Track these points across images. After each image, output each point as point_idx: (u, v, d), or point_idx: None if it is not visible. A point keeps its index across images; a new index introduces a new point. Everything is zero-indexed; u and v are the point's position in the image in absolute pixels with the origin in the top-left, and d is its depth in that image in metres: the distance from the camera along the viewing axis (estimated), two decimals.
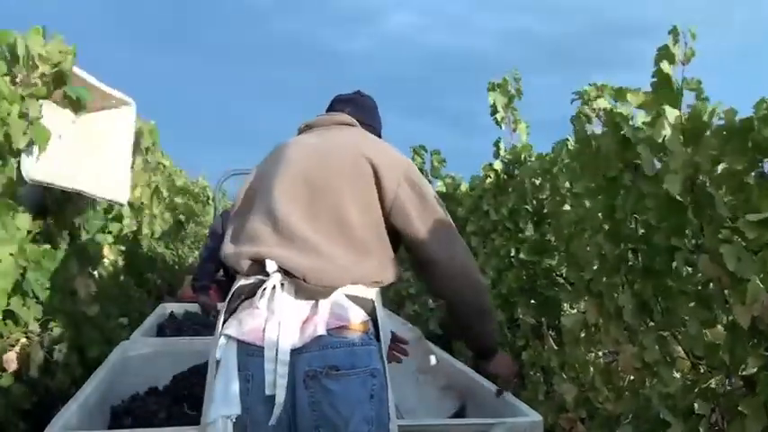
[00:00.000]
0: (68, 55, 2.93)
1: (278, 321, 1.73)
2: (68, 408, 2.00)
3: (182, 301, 5.10)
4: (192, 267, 10.68)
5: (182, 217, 8.68)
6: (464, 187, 5.15)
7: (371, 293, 1.87)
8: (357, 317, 1.79)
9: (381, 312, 1.89)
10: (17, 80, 2.72)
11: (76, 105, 3.13)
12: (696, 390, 2.13)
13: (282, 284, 1.78)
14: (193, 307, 4.22)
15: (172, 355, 2.92)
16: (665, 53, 2.18)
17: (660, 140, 2.15)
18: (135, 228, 6.07)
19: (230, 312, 1.84)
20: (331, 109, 2.28)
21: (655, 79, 2.21)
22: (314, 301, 1.77)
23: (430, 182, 5.78)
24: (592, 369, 2.83)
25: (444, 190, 5.38)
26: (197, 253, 12.56)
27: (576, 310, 3.19)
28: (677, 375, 2.26)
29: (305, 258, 1.80)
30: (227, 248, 1.95)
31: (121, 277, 5.28)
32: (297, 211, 1.88)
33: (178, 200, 7.94)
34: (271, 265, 1.79)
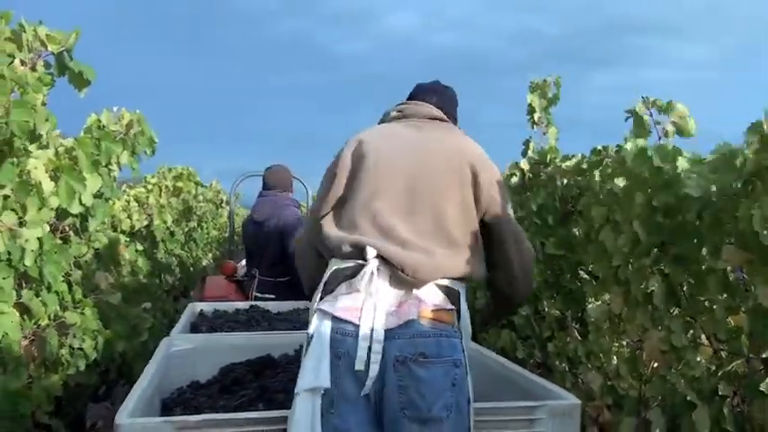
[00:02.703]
0: (72, 34, 2.83)
1: (374, 303, 1.86)
2: (131, 398, 2.09)
3: (202, 301, 5.20)
4: (206, 270, 10.78)
5: (190, 201, 8.79)
6: None
7: (459, 286, 2.00)
8: (446, 306, 1.92)
9: (465, 306, 2.01)
10: (25, 64, 2.69)
11: (80, 82, 2.98)
12: (720, 373, 2.25)
13: (380, 270, 1.91)
14: (222, 305, 4.32)
15: (213, 350, 3.02)
16: None
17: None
18: (146, 222, 6.19)
19: (327, 292, 1.96)
20: (414, 98, 2.34)
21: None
22: (407, 290, 1.90)
23: None
24: (616, 358, 2.94)
25: None
26: (210, 255, 12.69)
27: (600, 302, 3.31)
28: (701, 360, 2.38)
29: (402, 251, 1.93)
30: (330, 230, 2.06)
31: (142, 277, 5.39)
32: (395, 210, 2.01)
33: (180, 184, 8.06)
34: (371, 252, 1.91)
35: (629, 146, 2.69)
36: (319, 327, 1.90)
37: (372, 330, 1.84)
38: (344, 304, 1.90)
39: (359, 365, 1.82)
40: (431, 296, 1.93)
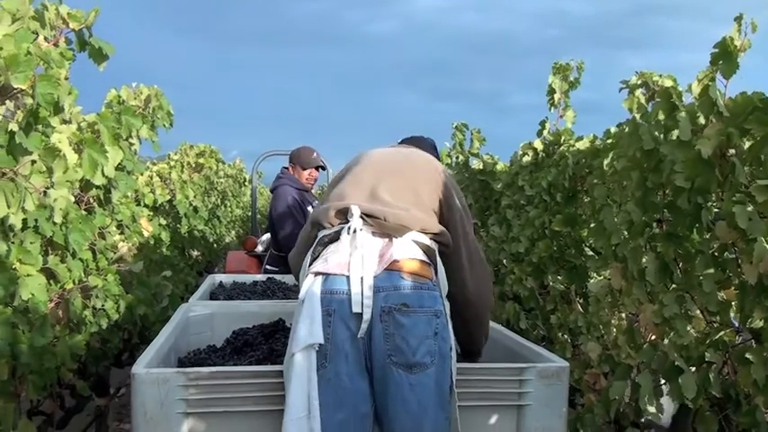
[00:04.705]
0: (92, 12, 2.91)
1: (361, 255, 2.05)
2: (148, 352, 2.24)
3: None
4: (229, 246, 10.99)
5: (211, 176, 8.98)
6: (500, 165, 5.38)
7: (434, 244, 2.20)
8: (423, 257, 2.12)
9: (440, 263, 2.20)
10: (48, 41, 2.75)
11: (99, 57, 3.03)
12: (708, 341, 2.35)
13: (363, 227, 2.12)
14: (240, 277, 4.48)
15: (229, 315, 3.17)
16: (729, 37, 2.38)
17: (708, 107, 2.35)
18: (169, 197, 6.34)
19: (315, 257, 2.17)
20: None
21: (716, 50, 2.40)
22: (389, 239, 2.11)
23: (467, 159, 5.96)
24: (615, 330, 3.05)
25: (482, 167, 5.60)
26: (233, 233, 12.92)
27: (602, 277, 3.41)
28: (692, 331, 2.48)
29: (384, 207, 2.17)
30: (317, 207, 2.35)
31: (165, 249, 5.55)
32: (380, 183, 2.28)
33: (201, 161, 8.23)
34: (355, 210, 2.14)
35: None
36: (310, 289, 2.07)
37: (363, 278, 2.01)
38: (334, 261, 2.08)
39: (356, 308, 1.99)
40: (410, 249, 2.11)
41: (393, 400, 1.98)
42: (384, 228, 2.13)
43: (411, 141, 2.82)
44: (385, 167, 2.38)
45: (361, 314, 1.98)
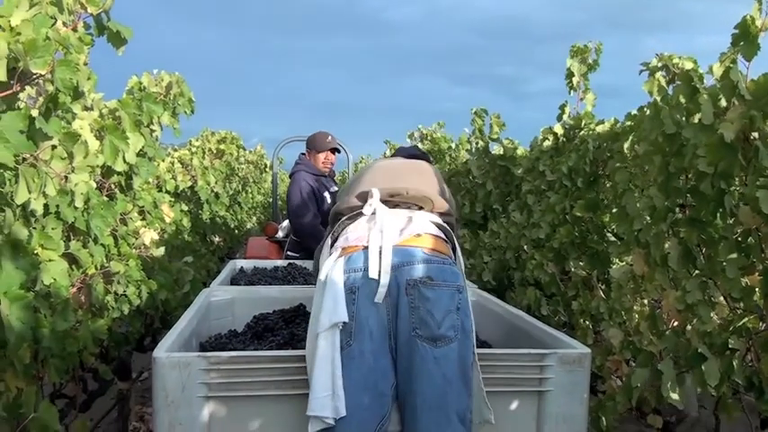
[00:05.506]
0: None
1: (380, 228, 2.12)
2: (169, 337, 2.26)
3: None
4: (249, 232, 11.05)
5: (232, 163, 9.02)
6: (521, 150, 5.35)
7: (447, 223, 2.28)
8: (442, 235, 2.20)
9: (456, 242, 2.27)
10: (67, 26, 2.70)
11: (118, 41, 2.94)
12: (731, 328, 2.32)
13: (383, 208, 2.20)
14: (261, 263, 4.50)
15: (250, 301, 3.18)
16: (749, 17, 2.33)
17: (729, 89, 2.30)
18: (190, 183, 6.36)
19: (336, 239, 2.24)
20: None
21: (736, 31, 2.36)
22: (410, 214, 2.18)
23: (487, 144, 5.92)
24: (637, 316, 3.02)
25: (502, 152, 5.57)
26: (255, 219, 13.00)
27: (624, 263, 3.38)
28: (715, 317, 2.45)
29: (405, 184, 2.29)
30: (334, 209, 2.43)
31: (186, 235, 5.57)
32: (392, 177, 2.37)
33: (222, 147, 8.27)
34: (375, 193, 2.21)
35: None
36: (332, 268, 2.11)
37: (381, 248, 2.07)
38: (354, 236, 2.16)
39: (372, 274, 2.03)
40: (429, 226, 2.19)
41: (418, 374, 2.01)
42: (406, 199, 2.25)
43: (401, 153, 2.90)
44: (388, 169, 2.51)
45: (382, 287, 2.02)
